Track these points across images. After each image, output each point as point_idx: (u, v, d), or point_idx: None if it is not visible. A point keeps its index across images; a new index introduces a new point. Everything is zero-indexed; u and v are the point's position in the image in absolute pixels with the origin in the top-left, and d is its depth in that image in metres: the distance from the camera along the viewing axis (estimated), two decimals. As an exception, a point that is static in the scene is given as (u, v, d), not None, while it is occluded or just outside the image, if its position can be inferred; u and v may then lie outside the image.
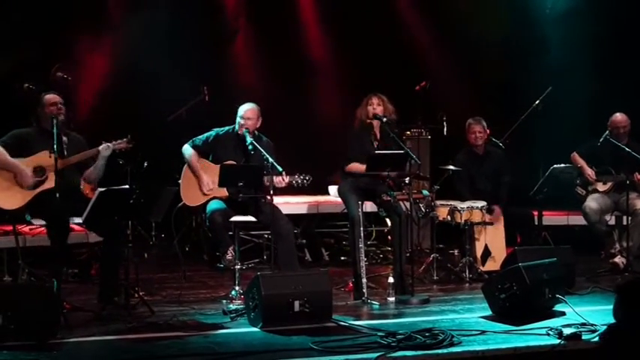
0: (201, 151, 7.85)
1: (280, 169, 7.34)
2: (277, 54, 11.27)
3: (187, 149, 7.86)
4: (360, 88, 8.15)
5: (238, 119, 7.79)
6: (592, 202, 8.92)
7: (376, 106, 7.96)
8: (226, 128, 7.93)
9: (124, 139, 7.24)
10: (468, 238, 8.55)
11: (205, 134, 7.94)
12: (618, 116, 9.02)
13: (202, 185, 7.71)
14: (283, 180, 7.43)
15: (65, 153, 7.13)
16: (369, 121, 7.97)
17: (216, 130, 7.95)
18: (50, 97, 7.28)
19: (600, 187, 9.04)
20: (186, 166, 7.83)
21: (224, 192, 7.61)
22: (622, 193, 8.76)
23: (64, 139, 7.21)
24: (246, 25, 11.47)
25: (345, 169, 7.94)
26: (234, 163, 7.71)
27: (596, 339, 5.90)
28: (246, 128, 7.69)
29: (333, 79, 11.49)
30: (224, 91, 10.27)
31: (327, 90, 11.38)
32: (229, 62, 11.37)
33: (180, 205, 7.87)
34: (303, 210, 9.81)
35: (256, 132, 7.80)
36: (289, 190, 8.08)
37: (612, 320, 6.32)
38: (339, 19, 11.60)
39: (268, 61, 11.23)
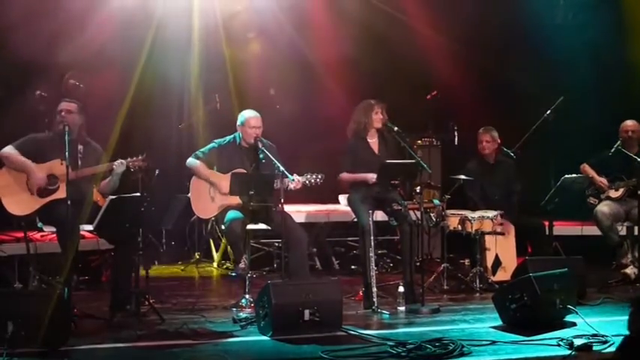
0: (205, 162, 7.86)
1: (291, 177, 7.34)
2: (288, 60, 11.28)
3: (193, 161, 7.87)
4: (372, 96, 8.14)
5: (244, 128, 7.80)
6: (603, 207, 8.91)
7: (380, 114, 7.97)
8: (227, 138, 7.95)
9: (140, 157, 7.24)
10: (479, 248, 8.54)
11: (207, 146, 7.96)
12: (629, 122, 9.03)
13: (219, 188, 7.69)
14: (298, 181, 7.44)
15: (79, 162, 7.15)
16: (374, 128, 7.97)
17: (217, 141, 7.97)
18: (60, 104, 7.31)
19: (612, 193, 9.04)
20: (193, 178, 7.83)
21: (237, 200, 7.62)
22: (633, 201, 8.74)
23: (80, 147, 7.22)
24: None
25: (338, 179, 7.97)
26: (244, 171, 7.72)
27: (607, 350, 5.89)
28: (257, 137, 7.71)
29: (343, 88, 11.48)
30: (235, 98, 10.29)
31: (338, 98, 11.38)
32: (240, 69, 11.40)
33: (193, 218, 7.89)
34: (313, 219, 9.81)
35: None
36: (300, 198, 8.10)
37: (624, 331, 6.35)
38: (350, 26, 11.61)
39: (279, 67, 11.24)
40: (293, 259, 7.48)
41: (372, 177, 7.78)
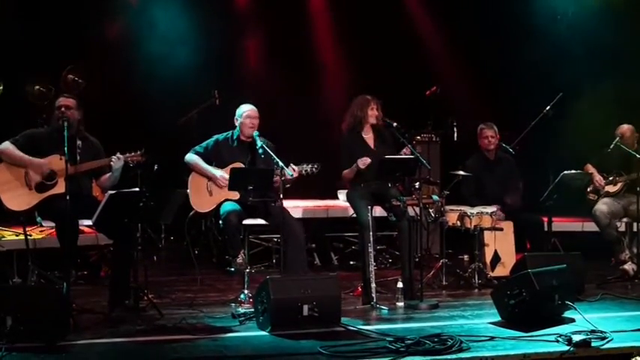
0: (203, 157, 7.86)
1: (290, 172, 7.34)
2: (288, 57, 11.30)
3: (190, 156, 7.89)
4: (372, 92, 8.14)
5: (242, 120, 7.81)
6: (602, 206, 8.95)
7: (376, 110, 7.97)
8: (225, 134, 7.96)
9: (138, 152, 7.23)
10: (478, 244, 8.54)
11: (205, 142, 7.97)
12: (625, 127, 9.05)
13: (217, 180, 7.71)
14: (294, 169, 7.44)
15: (78, 158, 7.14)
16: (369, 123, 7.96)
17: (215, 136, 7.98)
18: (59, 99, 7.30)
19: (610, 188, 9.07)
20: (192, 174, 7.84)
21: (236, 194, 7.62)
22: (632, 196, 8.77)
23: (78, 142, 7.21)
24: (256, 26, 11.51)
25: (342, 178, 7.96)
26: (243, 165, 7.72)
27: (606, 346, 5.90)
28: (256, 130, 7.72)
29: (344, 83, 11.50)
30: (235, 94, 10.28)
31: (338, 95, 11.39)
32: (240, 65, 11.41)
33: (192, 214, 7.89)
34: (312, 214, 9.81)
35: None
36: (299, 194, 8.08)
37: (623, 327, 6.37)
38: (350, 23, 11.63)
39: (279, 63, 11.26)
40: (290, 253, 7.48)
41: (362, 161, 7.73)
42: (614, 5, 10.99)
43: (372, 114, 7.96)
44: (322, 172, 7.70)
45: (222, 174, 7.68)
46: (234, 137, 7.90)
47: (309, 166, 7.54)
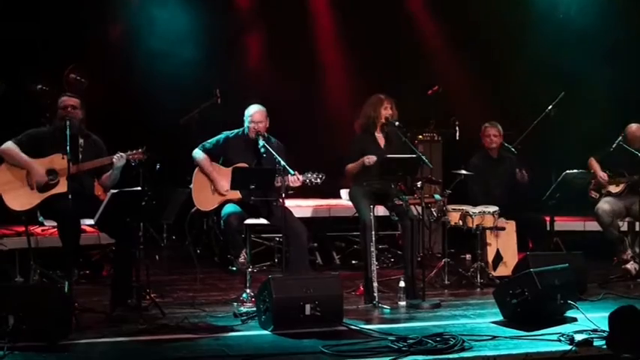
0: (212, 154, 7.86)
1: (292, 172, 7.33)
2: (290, 56, 11.30)
3: (198, 153, 7.87)
4: (374, 91, 8.14)
5: (248, 123, 7.80)
6: (604, 204, 8.94)
7: (390, 109, 7.95)
8: (235, 131, 7.95)
9: (140, 150, 7.22)
10: (480, 243, 8.54)
11: (215, 138, 7.95)
12: (634, 126, 9.02)
13: (218, 187, 7.71)
14: (298, 179, 7.43)
15: (80, 157, 7.14)
16: (381, 123, 7.96)
17: (225, 133, 7.97)
18: (63, 99, 7.29)
19: (613, 189, 9.06)
20: (196, 170, 7.83)
21: (237, 194, 7.62)
22: (634, 196, 8.76)
23: (81, 141, 7.21)
24: (258, 25, 11.51)
25: (345, 171, 7.95)
26: (246, 165, 7.72)
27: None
28: (258, 132, 7.70)
29: (346, 83, 11.51)
30: (237, 93, 10.29)
31: (340, 94, 11.40)
32: (242, 64, 11.41)
33: (193, 210, 7.88)
34: (314, 213, 9.80)
35: (265, 133, 7.79)
36: (301, 193, 8.06)
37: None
38: (352, 22, 11.63)
39: (281, 63, 11.26)
40: (292, 253, 7.48)
41: (368, 158, 7.72)
42: (617, 2, 11.00)
43: (386, 113, 7.95)
44: (324, 172, 7.69)
45: (223, 183, 7.67)
46: (245, 135, 7.88)
47: (314, 175, 7.52)
